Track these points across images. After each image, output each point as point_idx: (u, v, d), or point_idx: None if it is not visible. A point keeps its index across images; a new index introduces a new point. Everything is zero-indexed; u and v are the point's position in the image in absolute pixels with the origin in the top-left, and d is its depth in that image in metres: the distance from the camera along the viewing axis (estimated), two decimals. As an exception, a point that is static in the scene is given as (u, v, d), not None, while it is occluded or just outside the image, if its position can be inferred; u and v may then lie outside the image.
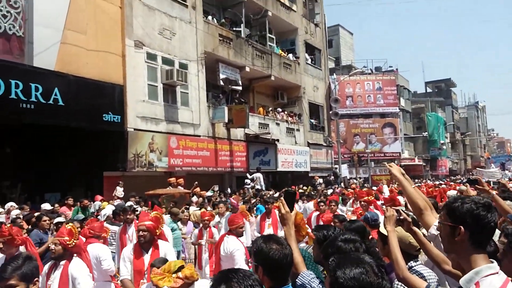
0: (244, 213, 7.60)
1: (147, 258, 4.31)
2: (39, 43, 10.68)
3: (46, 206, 9.66)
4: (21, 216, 8.07)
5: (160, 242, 4.50)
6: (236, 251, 5.08)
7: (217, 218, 8.52)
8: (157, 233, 4.50)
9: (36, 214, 8.53)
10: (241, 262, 4.99)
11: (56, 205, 10.10)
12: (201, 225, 7.55)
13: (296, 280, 2.37)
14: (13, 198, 10.89)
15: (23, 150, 11.92)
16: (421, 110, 45.79)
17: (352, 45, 41.29)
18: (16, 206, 9.31)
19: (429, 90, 58.31)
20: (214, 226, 7.88)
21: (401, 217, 2.74)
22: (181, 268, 3.10)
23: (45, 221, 6.48)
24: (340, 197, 11.86)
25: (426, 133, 41.21)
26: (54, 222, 6.92)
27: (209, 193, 13.52)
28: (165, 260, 3.51)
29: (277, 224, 7.40)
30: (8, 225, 5.34)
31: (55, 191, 12.38)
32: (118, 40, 12.79)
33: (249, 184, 16.09)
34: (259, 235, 7.55)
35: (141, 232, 4.37)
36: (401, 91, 38.51)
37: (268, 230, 7.42)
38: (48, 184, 12.31)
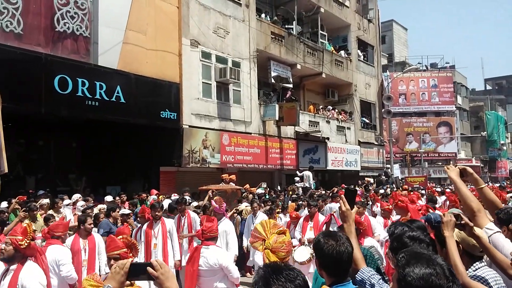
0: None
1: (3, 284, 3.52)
2: (103, 43, 11.24)
3: (108, 198, 10.21)
4: (88, 207, 8.61)
5: (23, 269, 3.53)
6: (229, 262, 4.67)
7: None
8: (23, 247, 3.56)
9: (99, 206, 9.07)
10: (234, 271, 4.63)
11: (117, 197, 10.62)
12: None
13: (356, 275, 2.39)
14: (78, 190, 11.59)
15: (87, 145, 12.63)
16: (480, 109, 43.47)
17: (406, 41, 39.90)
18: (82, 198, 9.91)
19: (488, 87, 55.23)
20: None
21: (462, 222, 2.67)
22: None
23: (118, 212, 6.88)
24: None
25: (485, 132, 39.06)
26: (119, 214, 7.36)
27: (260, 190, 13.67)
28: None
29: (318, 227, 7.26)
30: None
31: (115, 184, 13.02)
32: (175, 39, 13.19)
33: (299, 182, 16.07)
34: (300, 236, 7.48)
35: (3, 245, 3.60)
36: (458, 89, 36.78)
37: (310, 233, 7.27)
38: (109, 178, 12.97)
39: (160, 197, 10.89)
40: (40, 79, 9.89)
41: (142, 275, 1.75)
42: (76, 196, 9.82)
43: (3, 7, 9.43)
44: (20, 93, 9.48)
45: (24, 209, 7.22)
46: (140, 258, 6.22)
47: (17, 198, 8.40)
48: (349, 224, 2.63)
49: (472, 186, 3.60)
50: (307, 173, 16.50)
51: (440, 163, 33.02)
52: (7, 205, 8.39)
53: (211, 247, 4.58)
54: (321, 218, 7.54)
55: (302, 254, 6.55)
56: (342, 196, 2.77)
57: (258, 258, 4.46)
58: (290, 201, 11.60)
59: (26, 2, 9.83)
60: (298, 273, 1.61)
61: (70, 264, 4.73)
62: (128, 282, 1.76)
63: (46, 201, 8.95)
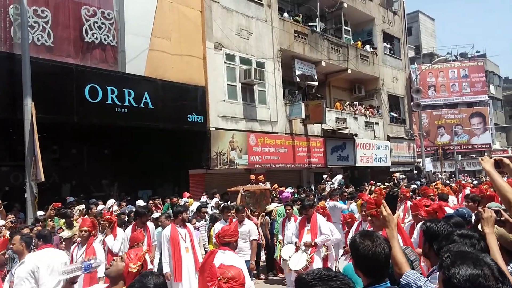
0: None
1: None
2: (130, 51, 11.49)
3: (140, 202, 10.42)
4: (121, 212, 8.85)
5: None
6: (244, 269, 4.15)
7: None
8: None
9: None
10: (249, 282, 4.21)
11: (150, 201, 10.82)
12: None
13: (401, 279, 2.36)
14: (112, 196, 11.91)
15: (118, 151, 12.94)
16: (515, 97, 41.84)
17: (433, 31, 38.80)
18: (116, 203, 10.18)
19: (523, 74, 52.93)
20: None
21: (502, 218, 2.55)
22: None
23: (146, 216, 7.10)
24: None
25: (521, 122, 37.62)
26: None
27: (288, 190, 13.64)
28: None
29: (316, 230, 6.68)
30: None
31: (146, 188, 13.29)
32: (199, 43, 13.33)
33: (326, 180, 15.85)
34: (296, 240, 6.77)
35: None
36: (490, 78, 35.49)
37: (307, 237, 6.67)
38: (141, 182, 13.25)
39: (190, 199, 11.07)
40: (72, 89, 10.20)
41: None
42: (111, 201, 10.08)
43: (34, 21, 9.80)
44: (53, 103, 9.82)
45: (55, 211, 7.42)
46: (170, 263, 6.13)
47: (52, 205, 8.70)
48: (391, 229, 2.62)
49: (508, 177, 3.48)
50: (339, 176, 16.26)
51: (474, 155, 32.02)
52: (43, 214, 8.69)
53: (227, 252, 4.33)
54: (320, 219, 6.83)
55: (298, 261, 6.23)
56: (383, 201, 2.78)
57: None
58: (318, 200, 11.54)
59: (55, 16, 10.18)
60: (345, 279, 1.65)
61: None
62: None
63: (82, 207, 9.23)
